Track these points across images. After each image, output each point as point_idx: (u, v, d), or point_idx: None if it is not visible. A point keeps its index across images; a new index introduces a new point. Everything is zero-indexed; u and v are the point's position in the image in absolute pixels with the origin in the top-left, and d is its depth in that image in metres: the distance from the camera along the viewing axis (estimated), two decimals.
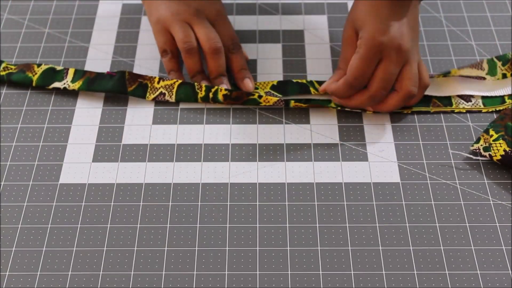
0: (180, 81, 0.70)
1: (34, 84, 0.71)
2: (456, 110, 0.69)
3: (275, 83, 0.71)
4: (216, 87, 0.69)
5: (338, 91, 0.66)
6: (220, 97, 0.69)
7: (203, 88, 0.69)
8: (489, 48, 0.75)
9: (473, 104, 0.69)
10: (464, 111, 0.69)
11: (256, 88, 0.71)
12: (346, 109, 0.68)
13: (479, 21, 0.79)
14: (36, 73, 0.71)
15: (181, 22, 0.70)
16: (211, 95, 0.69)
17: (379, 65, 0.65)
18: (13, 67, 0.72)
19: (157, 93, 0.70)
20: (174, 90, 0.70)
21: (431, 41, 0.76)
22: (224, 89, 0.69)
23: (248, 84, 0.70)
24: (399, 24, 0.66)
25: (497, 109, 0.68)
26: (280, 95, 0.70)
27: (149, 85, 0.70)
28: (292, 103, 0.68)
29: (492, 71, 0.71)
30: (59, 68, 0.72)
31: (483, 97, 0.70)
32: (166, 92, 0.70)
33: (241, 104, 0.69)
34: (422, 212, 0.61)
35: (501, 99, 0.69)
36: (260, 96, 0.69)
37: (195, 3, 0.71)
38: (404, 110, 0.69)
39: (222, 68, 0.70)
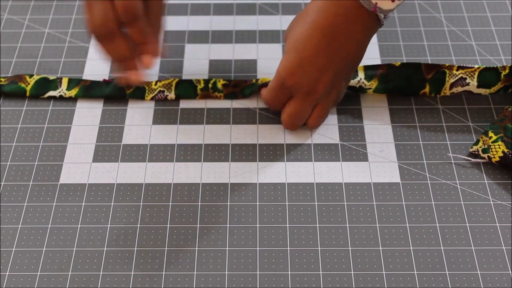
0: (177, 79, 0.71)
1: (28, 94, 0.70)
2: (447, 65, 0.69)
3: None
4: (214, 79, 0.71)
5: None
6: (219, 86, 0.70)
7: (202, 81, 0.70)
8: (489, 48, 0.75)
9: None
10: (456, 67, 0.69)
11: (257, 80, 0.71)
12: None
13: (479, 21, 0.79)
14: (29, 84, 0.71)
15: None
16: (210, 85, 0.70)
17: (289, 100, 0.65)
18: (2, 79, 0.71)
19: (156, 92, 0.70)
20: (173, 87, 0.70)
21: (431, 41, 0.76)
22: (223, 79, 0.70)
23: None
24: (323, 62, 0.61)
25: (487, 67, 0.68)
26: None
27: (147, 87, 0.71)
28: None
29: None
30: (52, 77, 0.71)
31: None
32: (165, 90, 0.70)
33: (241, 92, 0.70)
34: (422, 212, 0.61)
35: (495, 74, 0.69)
36: (257, 79, 0.70)
37: None
38: (396, 63, 0.69)
39: (142, 36, 0.60)
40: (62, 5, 0.81)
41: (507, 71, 0.68)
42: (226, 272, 0.57)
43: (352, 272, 0.57)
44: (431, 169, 0.64)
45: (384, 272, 0.57)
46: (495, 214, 0.61)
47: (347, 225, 0.60)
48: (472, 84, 0.68)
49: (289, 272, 0.57)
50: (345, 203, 0.62)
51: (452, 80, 0.69)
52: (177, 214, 0.61)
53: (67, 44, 0.77)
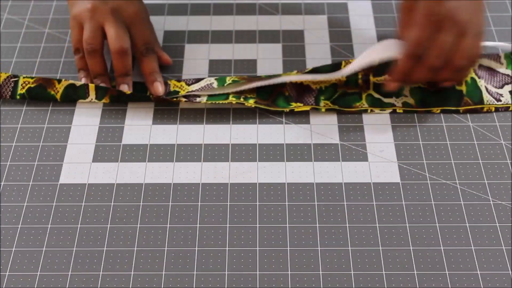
0: (208, 96, 0.70)
1: (58, 101, 0.70)
2: (485, 109, 0.69)
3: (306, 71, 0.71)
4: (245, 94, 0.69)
5: (402, 65, 0.66)
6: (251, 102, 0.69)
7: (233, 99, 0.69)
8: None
9: (503, 103, 0.69)
10: (493, 109, 0.69)
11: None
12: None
13: None
14: (58, 91, 0.70)
15: (93, 21, 0.70)
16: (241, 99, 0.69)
17: (436, 35, 0.65)
18: (30, 80, 0.70)
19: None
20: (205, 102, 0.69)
21: None
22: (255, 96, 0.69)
23: (158, 87, 0.70)
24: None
25: None
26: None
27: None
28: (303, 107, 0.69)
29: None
30: (78, 83, 0.70)
31: None
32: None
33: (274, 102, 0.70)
34: (422, 212, 0.61)
35: None
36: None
37: (112, 2, 0.70)
38: (433, 109, 0.69)
39: (125, 69, 0.70)
40: (62, 5, 0.81)
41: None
42: (226, 272, 0.57)
43: (352, 272, 0.57)
44: (431, 169, 0.64)
45: (384, 272, 0.57)
46: (495, 214, 0.61)
47: (347, 225, 0.60)
48: None
49: (289, 272, 0.57)
50: (345, 203, 0.62)
51: None
52: (177, 214, 0.61)
53: (67, 44, 0.77)
